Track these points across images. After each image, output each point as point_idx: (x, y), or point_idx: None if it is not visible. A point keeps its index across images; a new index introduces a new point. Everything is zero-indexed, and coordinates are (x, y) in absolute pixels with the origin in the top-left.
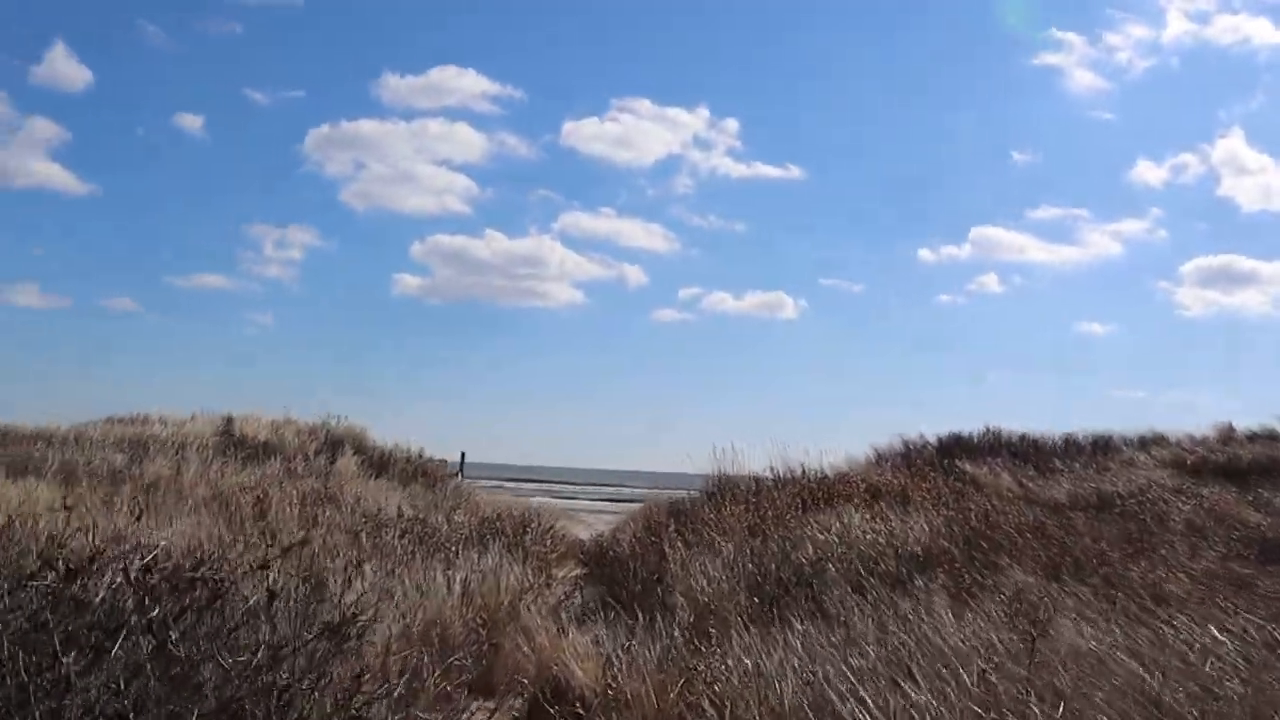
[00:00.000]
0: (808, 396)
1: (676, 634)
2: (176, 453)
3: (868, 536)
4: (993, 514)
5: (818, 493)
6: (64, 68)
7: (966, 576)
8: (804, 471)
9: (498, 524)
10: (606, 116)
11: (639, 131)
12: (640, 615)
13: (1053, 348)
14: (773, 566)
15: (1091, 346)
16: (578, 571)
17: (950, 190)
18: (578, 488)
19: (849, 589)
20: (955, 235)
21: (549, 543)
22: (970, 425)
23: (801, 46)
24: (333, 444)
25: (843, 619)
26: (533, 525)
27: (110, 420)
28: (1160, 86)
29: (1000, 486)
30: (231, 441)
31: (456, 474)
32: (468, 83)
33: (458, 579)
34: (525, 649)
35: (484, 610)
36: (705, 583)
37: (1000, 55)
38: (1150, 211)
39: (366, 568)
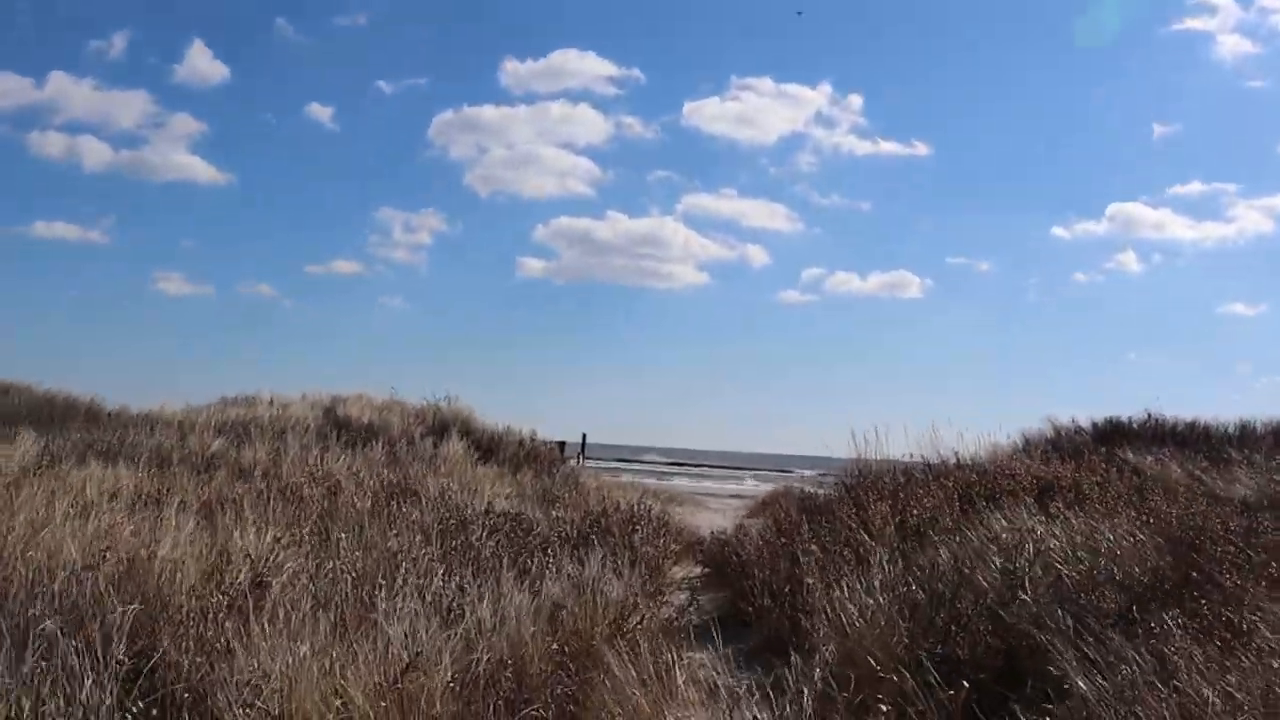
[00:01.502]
0: (935, 379)
1: (818, 681)
2: (278, 437)
3: (1057, 547)
4: (1197, 518)
5: (976, 487)
6: (202, 65)
7: (1208, 611)
8: (958, 460)
9: (605, 519)
10: (727, 95)
11: (760, 110)
12: (770, 634)
13: (1195, 330)
14: (943, 590)
15: (1237, 328)
16: (697, 571)
17: (1086, 166)
18: (701, 469)
19: (1056, 629)
20: (1092, 212)
21: (663, 542)
22: (1117, 409)
23: (927, 19)
24: (440, 426)
25: (1066, 685)
26: (643, 521)
27: (223, 401)
28: None
29: (1168, 479)
30: (335, 424)
31: (574, 457)
32: (588, 65)
33: (546, 596)
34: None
35: (575, 637)
36: (854, 609)
37: (1142, 21)
38: None
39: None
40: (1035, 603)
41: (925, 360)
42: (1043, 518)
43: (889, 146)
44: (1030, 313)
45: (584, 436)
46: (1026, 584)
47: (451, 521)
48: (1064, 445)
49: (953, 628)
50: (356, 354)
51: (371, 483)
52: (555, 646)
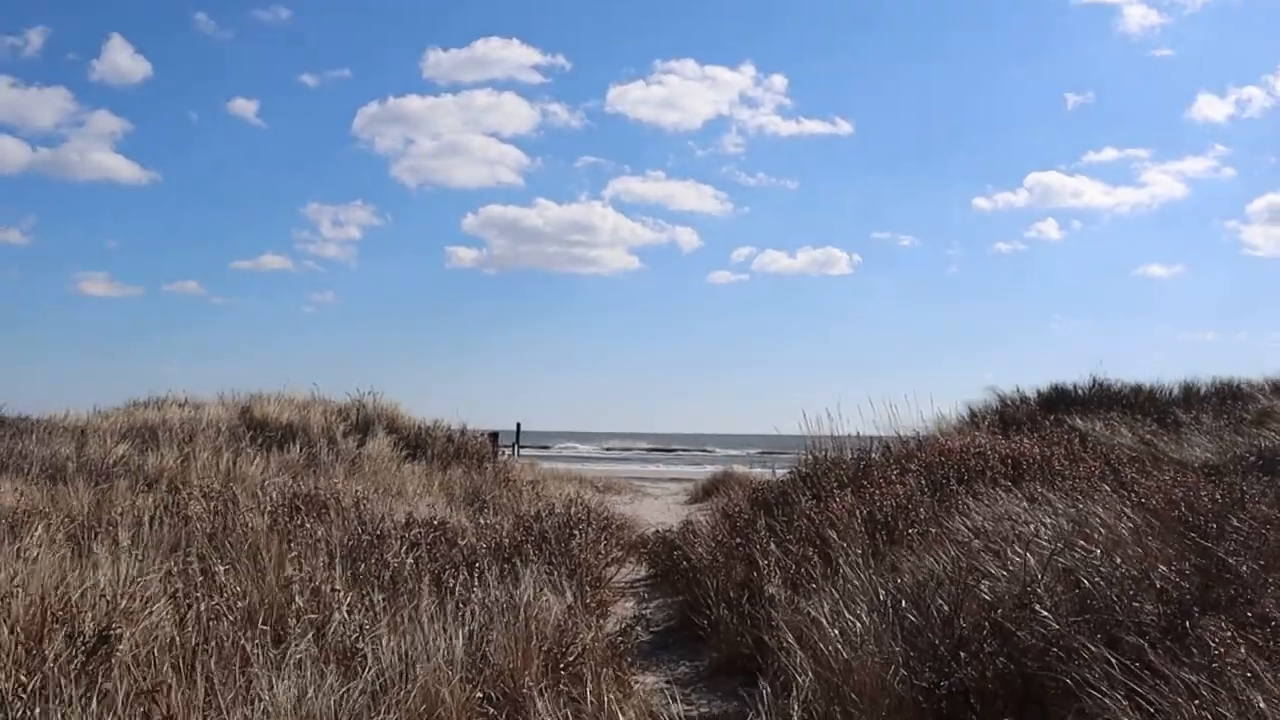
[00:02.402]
0: (867, 353)
1: None
2: (188, 441)
3: (1054, 542)
4: (1181, 492)
5: (943, 468)
6: (122, 61)
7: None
8: (917, 440)
9: (539, 524)
10: (651, 79)
11: (684, 93)
12: (730, 653)
13: (1116, 293)
14: (941, 606)
15: (1156, 289)
16: (643, 574)
17: (1003, 137)
18: (638, 453)
19: (1092, 656)
20: (1010, 182)
21: (604, 546)
22: (1047, 375)
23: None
24: (365, 424)
25: None
26: (582, 525)
27: (132, 404)
28: (1220, 19)
29: (1119, 445)
30: (251, 425)
31: (508, 448)
32: (512, 53)
33: (470, 627)
34: None
35: (505, 678)
36: (835, 633)
37: None
38: (1214, 148)
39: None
40: (1055, 617)
41: (857, 335)
42: (1025, 502)
43: (812, 125)
44: (955, 284)
45: (518, 426)
46: (1040, 592)
47: (365, 537)
48: (1011, 415)
49: (961, 654)
50: (287, 351)
51: (273, 495)
52: (480, 695)
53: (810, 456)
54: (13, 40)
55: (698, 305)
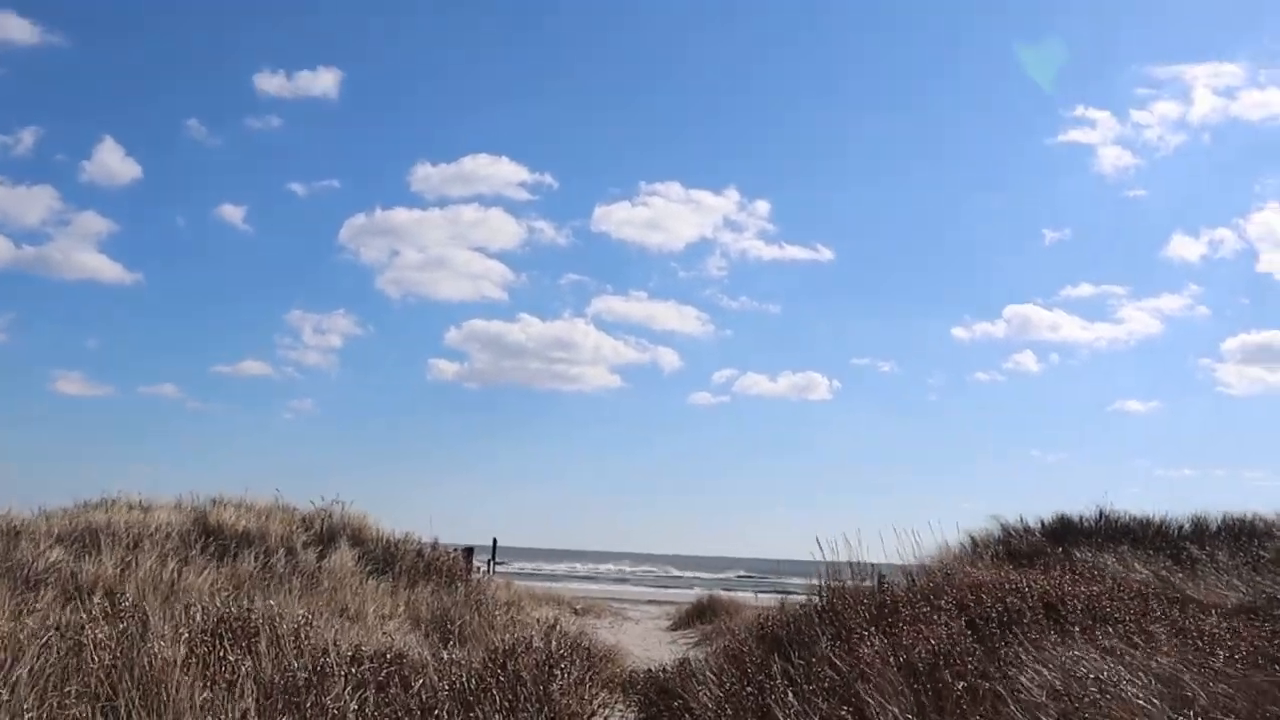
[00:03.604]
0: (848, 479)
1: None
2: (134, 546)
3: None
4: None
5: (981, 607)
6: (113, 163)
7: None
8: (944, 573)
9: (513, 661)
10: (637, 200)
11: (669, 215)
12: None
13: (1093, 427)
14: None
15: (1133, 425)
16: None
17: (983, 269)
18: (617, 569)
19: None
20: (989, 313)
21: (588, 689)
22: (1026, 506)
23: (830, 127)
24: (329, 534)
25: None
26: (565, 662)
27: (78, 505)
28: (1192, 162)
29: (1134, 581)
30: (206, 531)
31: (483, 565)
32: (500, 169)
33: None
34: None
35: None
36: None
37: (1028, 134)
38: (1188, 287)
39: None
40: None
41: (836, 460)
42: (1094, 654)
43: (794, 250)
44: (934, 412)
45: (494, 542)
46: None
47: (302, 675)
48: (1015, 546)
49: None
50: (263, 458)
51: (196, 617)
52: None
53: (825, 586)
54: (4, 139)
55: (678, 425)
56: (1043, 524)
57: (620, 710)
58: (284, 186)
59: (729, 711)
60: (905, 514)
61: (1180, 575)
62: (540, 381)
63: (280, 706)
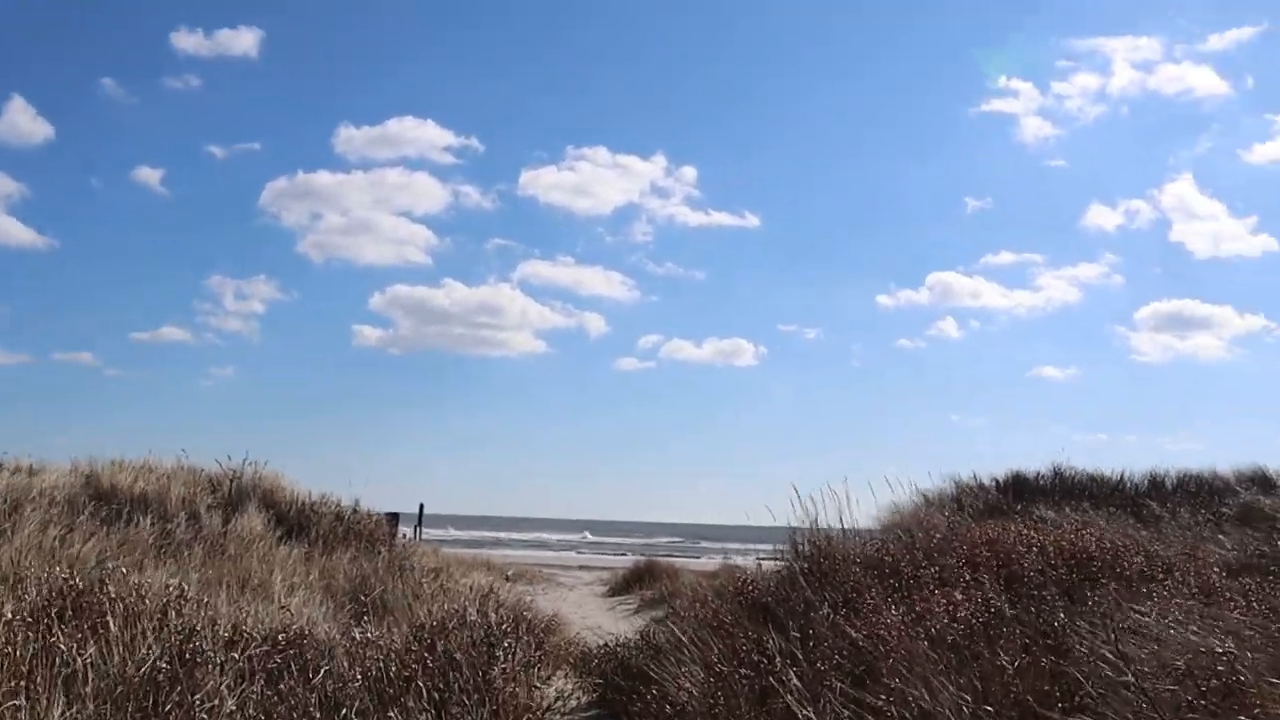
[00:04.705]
0: (772, 443)
1: None
2: (13, 512)
3: None
4: None
5: (1001, 566)
6: (23, 123)
7: None
8: (945, 530)
9: (447, 639)
10: (564, 165)
11: (597, 180)
12: None
13: (1012, 392)
14: None
15: (1050, 391)
16: (581, 700)
17: (907, 237)
18: (546, 536)
19: None
20: (913, 281)
21: (535, 670)
22: (950, 469)
23: (757, 96)
24: (238, 497)
25: None
26: (507, 639)
27: None
28: (1110, 134)
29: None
30: (98, 495)
31: (409, 533)
32: (425, 133)
33: None
34: None
35: None
36: None
37: (952, 103)
38: (1105, 256)
39: None
40: None
41: (761, 424)
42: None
43: (721, 217)
44: (858, 378)
45: (421, 507)
46: None
47: (162, 666)
48: (969, 503)
49: None
50: (184, 427)
51: (32, 592)
52: None
53: (808, 544)
54: None
55: (604, 391)
56: (997, 482)
57: (578, 698)
58: (203, 148)
59: (721, 700)
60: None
61: (1146, 533)
62: (466, 347)
63: (129, 711)
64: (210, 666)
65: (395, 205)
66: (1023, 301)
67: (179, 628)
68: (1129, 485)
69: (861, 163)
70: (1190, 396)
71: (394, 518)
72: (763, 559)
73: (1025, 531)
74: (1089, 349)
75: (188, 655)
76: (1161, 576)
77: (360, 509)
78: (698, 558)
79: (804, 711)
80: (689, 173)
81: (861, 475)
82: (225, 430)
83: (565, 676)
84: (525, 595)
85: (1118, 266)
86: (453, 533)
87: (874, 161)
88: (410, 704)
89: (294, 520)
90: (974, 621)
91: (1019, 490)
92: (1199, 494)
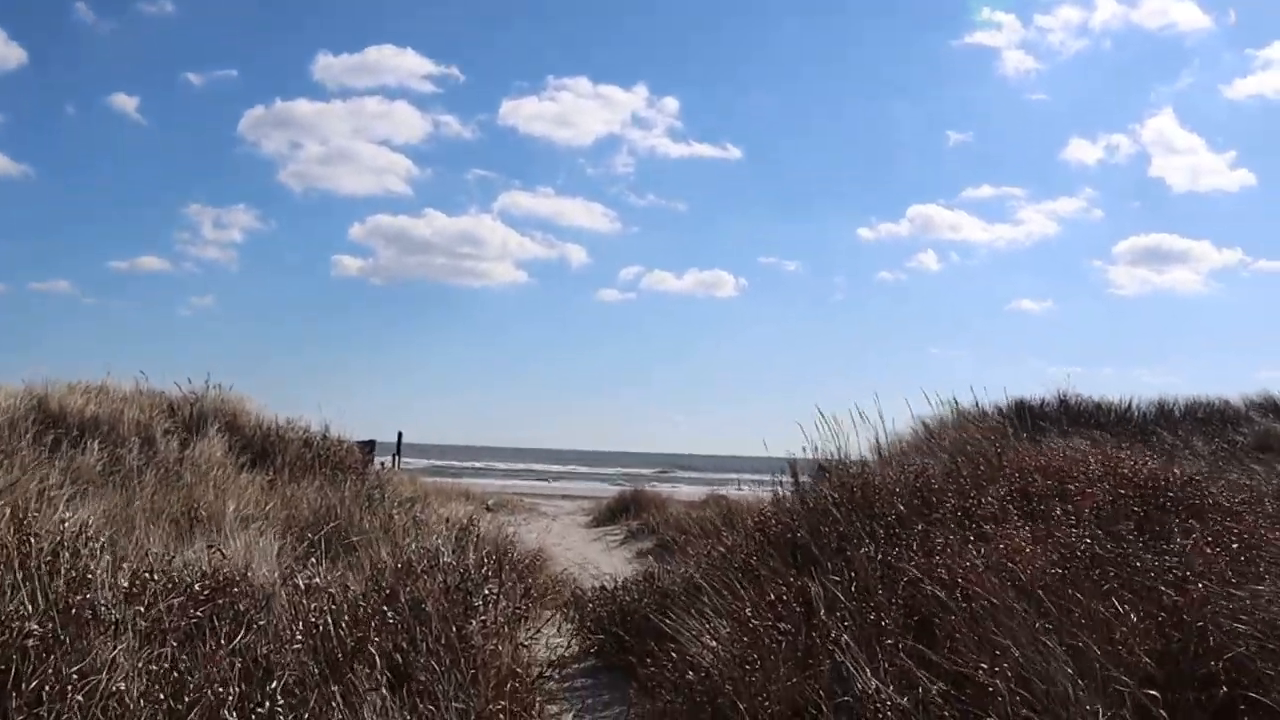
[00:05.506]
0: (753, 374)
1: None
2: None
3: None
4: None
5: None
6: None
7: None
8: (992, 455)
9: (414, 580)
10: (545, 95)
11: (577, 110)
12: None
13: (990, 325)
14: None
15: (1028, 324)
16: (572, 647)
17: (887, 170)
18: (527, 466)
19: None
20: (893, 214)
21: (522, 623)
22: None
23: (739, 28)
24: (199, 422)
25: None
26: (488, 584)
27: None
28: (1092, 68)
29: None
30: (48, 419)
31: (386, 462)
32: (405, 62)
33: None
34: None
35: None
36: None
37: (935, 36)
38: (1084, 191)
39: None
40: None
41: (741, 356)
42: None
43: (702, 149)
44: (839, 310)
45: (399, 435)
46: None
47: (35, 624)
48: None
49: None
50: (162, 356)
51: None
52: None
53: (835, 472)
54: None
55: (586, 321)
56: (999, 409)
57: (573, 650)
58: (179, 75)
59: (757, 663)
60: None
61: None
62: (447, 277)
63: None
64: (104, 624)
65: (375, 134)
66: (1002, 235)
67: (73, 575)
68: (1136, 413)
69: (843, 95)
70: (1167, 330)
71: (369, 445)
72: (745, 488)
73: (1087, 457)
74: (1067, 283)
75: (74, 610)
76: (1242, 510)
77: (331, 435)
78: (681, 487)
79: (862, 675)
80: (670, 104)
81: (843, 406)
82: (205, 360)
83: (555, 625)
84: (507, 526)
85: (1097, 201)
86: (433, 462)
87: (856, 94)
88: (361, 674)
89: (259, 447)
90: (1066, 564)
91: (1024, 418)
92: (1209, 422)
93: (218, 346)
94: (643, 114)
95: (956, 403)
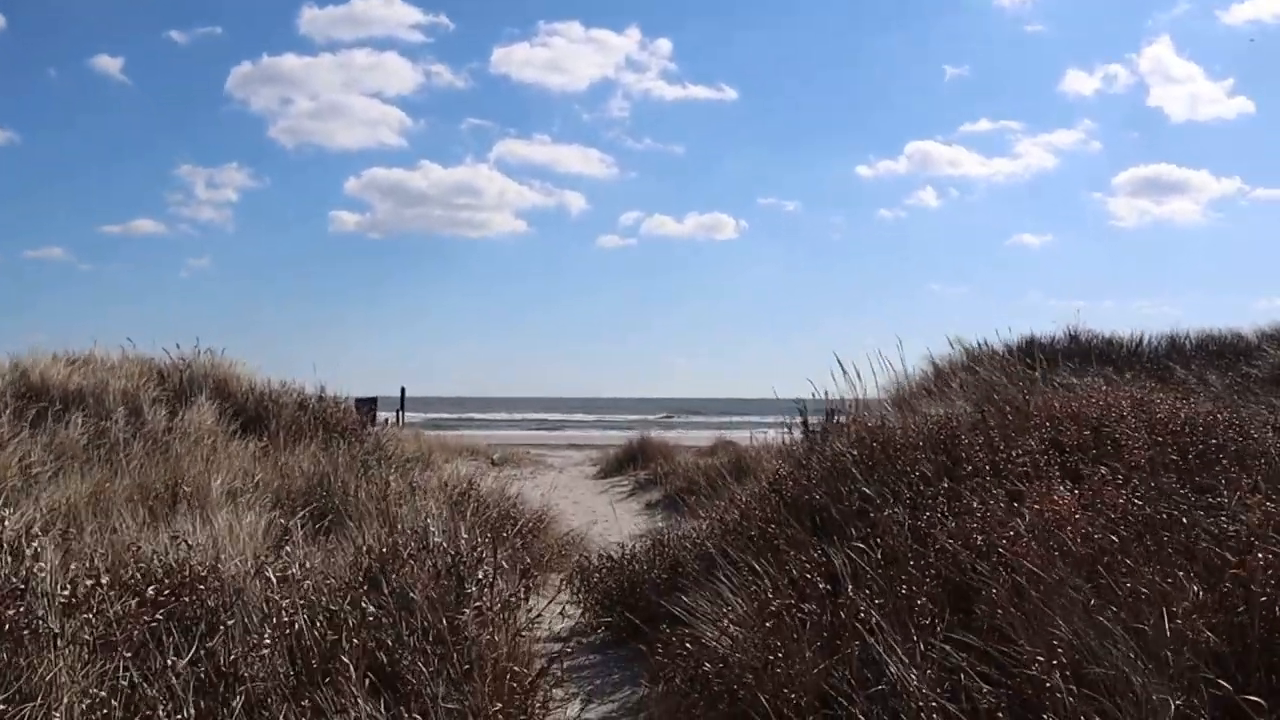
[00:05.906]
0: (756, 316)
1: None
2: None
3: None
4: None
5: (1109, 448)
6: None
7: None
8: (1020, 403)
9: (401, 570)
10: (536, 41)
11: (570, 55)
12: None
13: (990, 260)
14: None
15: (1028, 258)
16: (578, 620)
17: (884, 106)
18: (530, 416)
19: None
20: (892, 150)
21: (515, 606)
22: (930, 340)
23: None
24: (189, 389)
25: None
26: (484, 565)
27: None
28: None
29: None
30: (29, 391)
31: (390, 419)
32: (392, 11)
33: None
34: None
35: None
36: None
37: None
38: (1082, 122)
39: None
40: None
41: (744, 298)
42: None
43: (698, 91)
44: (839, 249)
45: (402, 391)
46: None
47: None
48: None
49: None
50: (161, 320)
51: None
52: None
53: (852, 424)
54: None
55: (586, 269)
56: (1008, 348)
57: (578, 621)
58: (163, 34)
59: (780, 650)
60: (817, 351)
61: (1183, 399)
62: (446, 228)
63: None
64: (46, 639)
65: (365, 87)
66: (1001, 169)
67: (12, 583)
68: (1147, 348)
69: (838, 31)
70: (1166, 261)
71: (370, 403)
72: (756, 433)
73: (1120, 401)
74: (1066, 215)
75: (6, 626)
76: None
77: (326, 396)
78: (688, 432)
79: (894, 661)
80: (664, 46)
81: (847, 347)
82: (202, 322)
83: (562, 593)
84: (512, 483)
85: (1095, 133)
86: (437, 415)
87: (851, 30)
88: (332, 687)
89: (251, 412)
90: (1116, 529)
91: (1033, 356)
92: (1222, 355)
93: (215, 307)
94: (636, 57)
95: (963, 342)
